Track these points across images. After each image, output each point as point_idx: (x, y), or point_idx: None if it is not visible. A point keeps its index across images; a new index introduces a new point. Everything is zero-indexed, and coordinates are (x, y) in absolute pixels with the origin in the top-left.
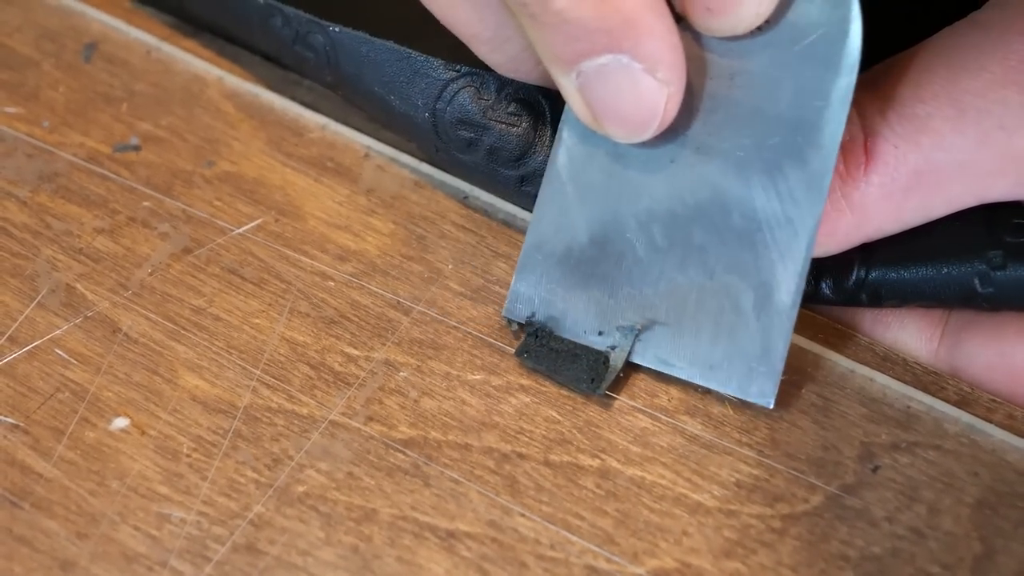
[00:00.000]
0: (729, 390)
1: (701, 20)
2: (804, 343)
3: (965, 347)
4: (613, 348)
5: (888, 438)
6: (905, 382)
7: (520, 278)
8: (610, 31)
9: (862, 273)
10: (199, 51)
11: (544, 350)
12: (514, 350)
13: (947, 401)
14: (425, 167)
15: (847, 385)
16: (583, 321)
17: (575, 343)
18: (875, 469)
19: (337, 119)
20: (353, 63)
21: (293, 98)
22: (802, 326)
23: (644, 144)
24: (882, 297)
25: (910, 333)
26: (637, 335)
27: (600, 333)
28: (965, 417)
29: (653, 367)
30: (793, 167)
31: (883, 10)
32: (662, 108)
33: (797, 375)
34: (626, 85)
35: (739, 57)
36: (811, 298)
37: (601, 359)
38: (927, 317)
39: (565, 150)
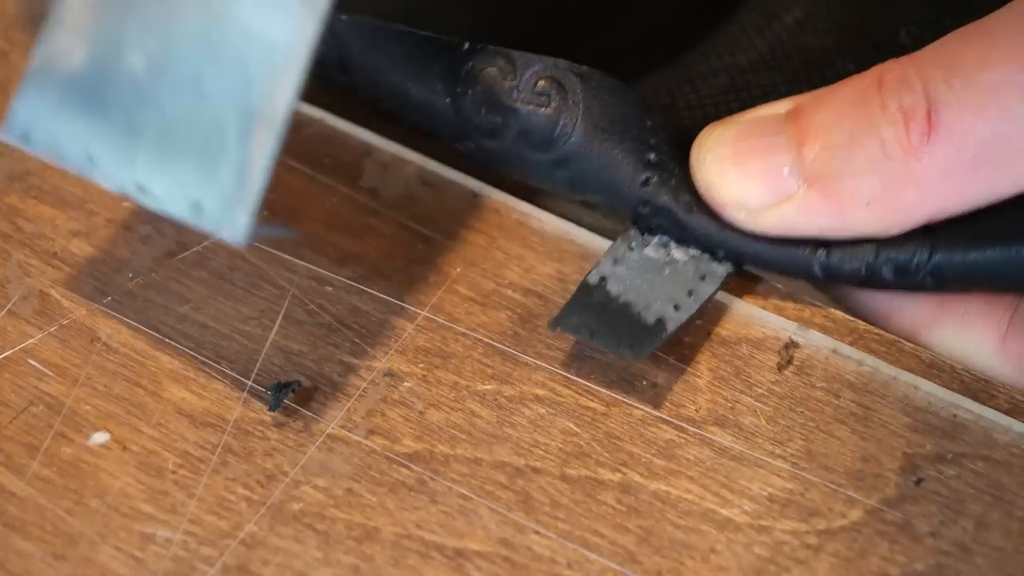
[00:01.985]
0: (204, 225)
1: None
2: (843, 348)
3: None
4: (671, 313)
5: (933, 449)
6: (952, 389)
7: (21, 97)
8: None
9: (925, 255)
10: None
11: (582, 318)
12: (549, 324)
13: (997, 409)
14: (431, 164)
15: (889, 393)
16: (73, 143)
17: (622, 310)
18: (919, 481)
19: (335, 112)
20: (365, 53)
21: None
22: (842, 331)
23: None
24: (947, 281)
25: (974, 321)
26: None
27: (91, 159)
28: (1016, 426)
29: (131, 196)
30: None
31: None
32: None
33: (835, 382)
34: None
35: None
36: (871, 282)
37: (645, 328)
38: (993, 302)
39: None
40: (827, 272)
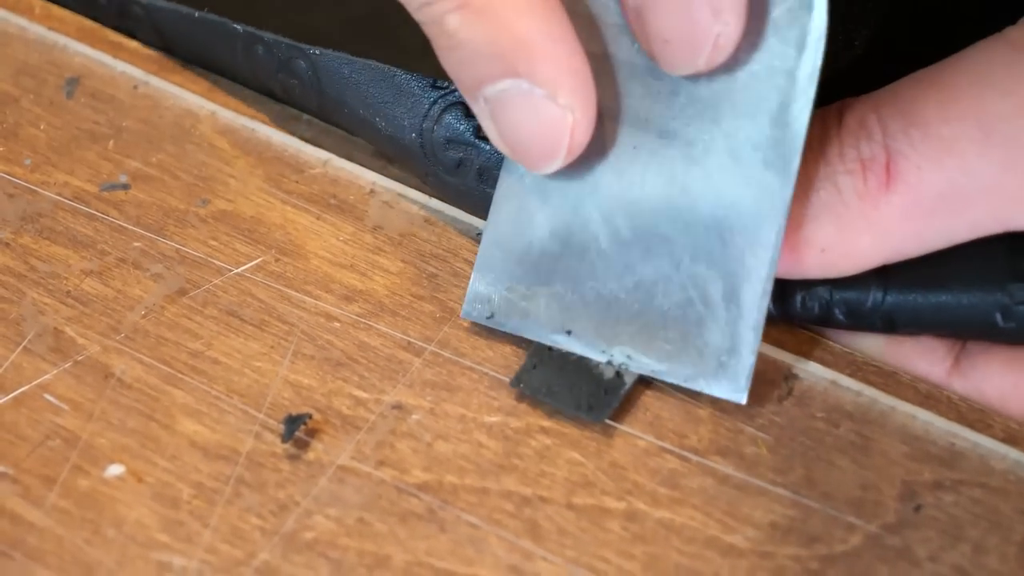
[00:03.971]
0: (697, 386)
1: (660, 55)
2: (842, 380)
3: (980, 372)
4: (622, 366)
5: (931, 476)
6: (949, 419)
7: (478, 277)
8: (503, 55)
9: (879, 297)
10: (189, 85)
11: (542, 376)
12: (510, 382)
13: (994, 438)
14: (435, 203)
15: (887, 423)
16: (546, 319)
17: (579, 366)
18: (917, 508)
19: (340, 154)
20: (336, 85)
21: (293, 133)
22: (840, 363)
23: (605, 132)
24: (897, 324)
25: (922, 353)
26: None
27: (568, 332)
28: (1013, 454)
29: (617, 366)
30: (760, 149)
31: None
32: (567, 135)
33: (835, 413)
34: (528, 111)
35: None
36: (824, 321)
37: (602, 385)
38: (943, 337)
39: None
40: (783, 312)
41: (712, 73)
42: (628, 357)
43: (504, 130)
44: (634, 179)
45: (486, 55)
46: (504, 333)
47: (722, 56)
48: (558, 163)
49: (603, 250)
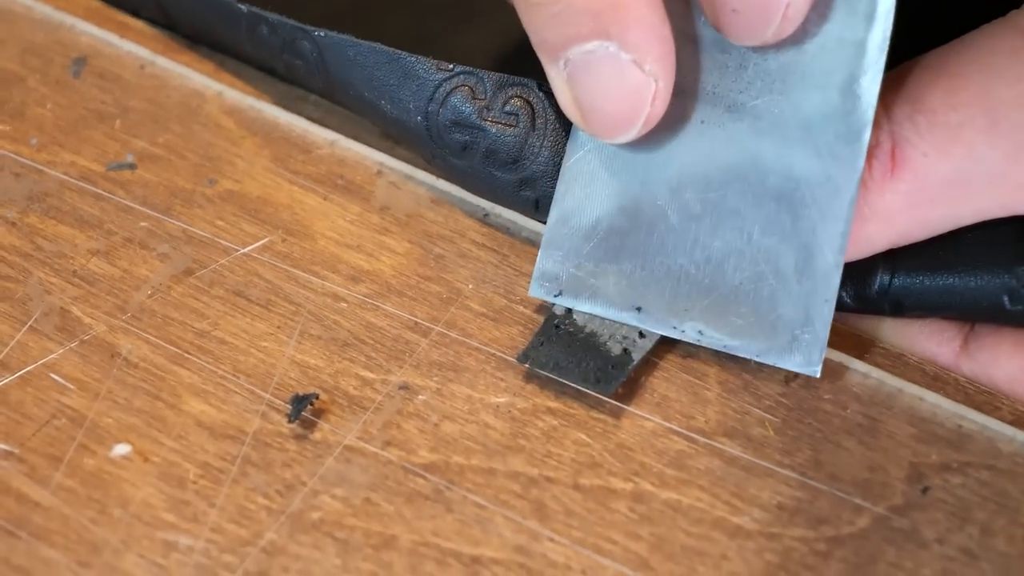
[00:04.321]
0: (771, 360)
1: (728, 26)
2: (849, 361)
3: (989, 355)
4: (635, 342)
5: (939, 458)
6: (957, 401)
7: (546, 255)
8: (597, 13)
9: (886, 280)
10: (196, 65)
11: (550, 352)
12: (517, 357)
13: (1002, 420)
14: (442, 184)
15: (895, 405)
16: (616, 297)
17: (587, 343)
18: (925, 490)
19: (347, 134)
20: (341, 68)
21: (300, 113)
22: (847, 345)
23: (673, 106)
24: (905, 307)
25: (930, 335)
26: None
27: (639, 309)
28: (1020, 436)
29: (690, 341)
30: (829, 121)
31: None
32: (647, 104)
33: (842, 395)
34: (612, 76)
35: None
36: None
37: (610, 360)
38: (951, 320)
39: None
40: None
41: (780, 45)
42: (700, 333)
43: (582, 95)
44: (702, 153)
45: (579, 12)
46: (512, 314)
47: (791, 27)
48: (633, 133)
49: (672, 225)
